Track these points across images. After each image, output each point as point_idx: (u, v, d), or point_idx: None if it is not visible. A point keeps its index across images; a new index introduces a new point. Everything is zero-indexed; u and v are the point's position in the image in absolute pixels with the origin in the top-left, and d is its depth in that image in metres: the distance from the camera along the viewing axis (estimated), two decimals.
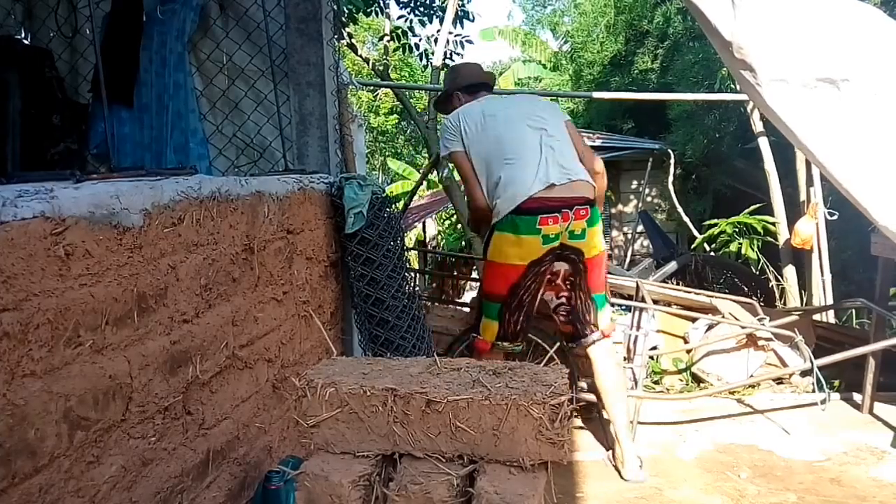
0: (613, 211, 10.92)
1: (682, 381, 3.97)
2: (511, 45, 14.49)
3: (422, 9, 7.80)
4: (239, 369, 1.96)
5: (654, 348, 3.83)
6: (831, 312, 5.66)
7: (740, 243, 7.10)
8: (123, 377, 1.44)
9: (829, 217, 5.62)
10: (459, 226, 9.78)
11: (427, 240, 12.41)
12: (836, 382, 3.76)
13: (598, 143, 9.69)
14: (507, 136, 2.64)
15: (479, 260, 6.06)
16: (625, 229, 10.92)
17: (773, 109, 2.57)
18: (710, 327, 3.95)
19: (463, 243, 10.35)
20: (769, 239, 6.99)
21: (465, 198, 3.08)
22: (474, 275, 7.13)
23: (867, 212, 2.52)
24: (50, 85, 2.70)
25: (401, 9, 7.84)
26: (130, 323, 1.46)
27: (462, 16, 7.62)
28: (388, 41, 8.32)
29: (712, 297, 4.22)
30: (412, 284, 3.06)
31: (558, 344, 2.41)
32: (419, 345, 2.79)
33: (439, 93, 3.21)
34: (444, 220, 13.23)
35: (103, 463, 1.39)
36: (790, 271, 6.70)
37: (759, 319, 3.68)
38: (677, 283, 5.99)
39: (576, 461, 2.88)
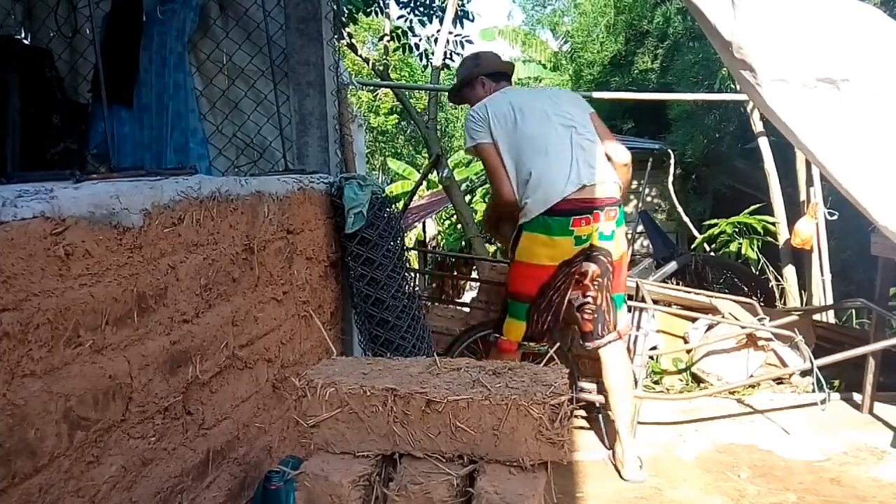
0: None
1: (682, 381, 3.97)
2: (511, 45, 14.50)
3: (422, 9, 7.82)
4: (239, 369, 1.96)
5: (654, 348, 3.83)
6: (831, 312, 5.66)
7: (740, 243, 7.10)
8: (123, 377, 1.44)
9: (829, 217, 5.63)
10: (459, 226, 9.78)
11: (427, 240, 12.42)
12: (836, 382, 3.76)
13: None
14: (537, 133, 2.59)
15: (478, 260, 6.07)
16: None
17: (773, 109, 2.57)
18: (710, 327, 3.95)
19: (463, 243, 10.36)
20: (769, 239, 7.00)
21: (489, 192, 2.97)
22: (474, 275, 7.13)
23: (867, 212, 2.51)
24: (50, 85, 2.70)
25: (401, 9, 7.86)
26: (130, 323, 1.46)
27: (462, 16, 7.63)
28: (388, 41, 8.33)
29: (712, 297, 4.22)
30: (412, 284, 3.06)
31: (558, 344, 2.40)
32: (419, 345, 2.79)
33: (457, 80, 3.02)
34: (444, 220, 13.24)
35: (103, 463, 1.39)
36: (790, 271, 6.71)
37: (759, 319, 3.68)
38: (677, 283, 5.98)
39: (576, 461, 2.88)
